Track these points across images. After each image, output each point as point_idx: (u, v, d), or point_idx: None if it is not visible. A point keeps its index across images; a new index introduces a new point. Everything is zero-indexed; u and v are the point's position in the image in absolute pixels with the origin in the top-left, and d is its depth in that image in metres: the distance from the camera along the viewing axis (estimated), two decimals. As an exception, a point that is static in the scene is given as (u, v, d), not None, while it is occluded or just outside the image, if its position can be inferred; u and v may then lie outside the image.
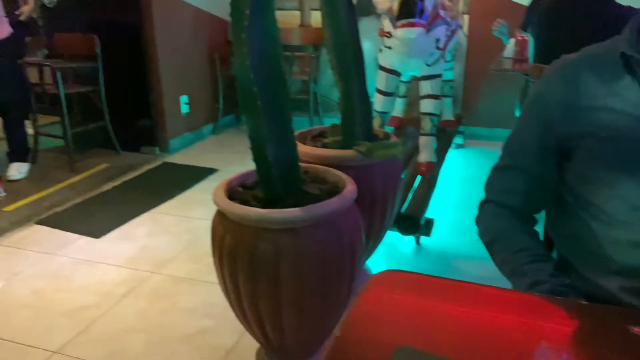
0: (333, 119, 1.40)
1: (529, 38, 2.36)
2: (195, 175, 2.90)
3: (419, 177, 2.03)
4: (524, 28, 2.65)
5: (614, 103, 0.72)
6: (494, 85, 3.39)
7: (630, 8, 1.48)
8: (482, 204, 0.88)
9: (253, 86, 0.91)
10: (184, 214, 2.41)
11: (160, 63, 3.14)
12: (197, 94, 3.52)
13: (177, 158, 3.21)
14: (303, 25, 3.73)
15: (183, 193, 2.65)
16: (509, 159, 0.85)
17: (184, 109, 3.41)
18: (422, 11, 1.63)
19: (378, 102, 2.04)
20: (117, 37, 3.06)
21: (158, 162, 3.12)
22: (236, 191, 1.16)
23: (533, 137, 0.80)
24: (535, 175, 0.82)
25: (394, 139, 1.50)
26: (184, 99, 3.40)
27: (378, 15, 3.45)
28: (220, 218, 1.10)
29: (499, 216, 0.84)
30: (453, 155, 3.15)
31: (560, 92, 0.77)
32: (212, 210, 1.15)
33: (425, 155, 2.06)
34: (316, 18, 3.66)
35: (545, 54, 1.73)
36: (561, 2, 1.74)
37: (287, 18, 3.71)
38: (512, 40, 2.59)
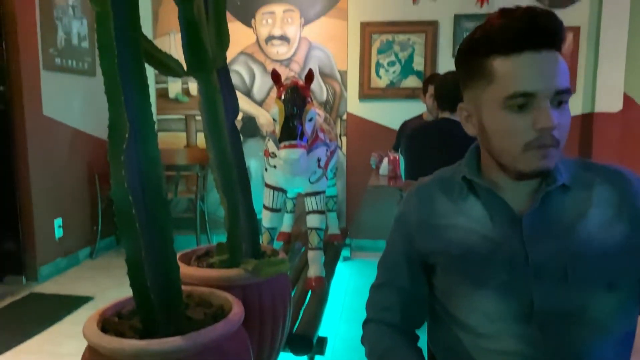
0: (222, 237, 1.37)
1: (400, 157, 2.61)
2: (67, 305, 2.60)
3: (309, 293, 2.01)
4: (396, 148, 2.94)
5: (462, 222, 0.78)
6: (374, 199, 3.63)
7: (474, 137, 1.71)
8: (365, 324, 0.89)
9: (131, 208, 0.87)
10: (52, 351, 2.10)
11: (32, 184, 2.92)
12: (73, 216, 3.29)
13: (48, 287, 2.88)
14: (189, 145, 3.77)
15: (52, 326, 2.34)
16: (383, 276, 0.88)
17: (58, 232, 3.14)
18: (302, 134, 1.74)
19: (266, 219, 2.06)
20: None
21: (24, 293, 2.77)
22: (111, 322, 1.05)
23: (400, 254, 0.85)
24: (408, 291, 0.85)
25: (282, 255, 1.49)
26: (58, 221, 3.14)
27: (263, 137, 3.63)
28: (91, 353, 0.97)
29: (382, 335, 0.85)
30: (341, 268, 3.20)
31: (417, 211, 0.83)
32: (84, 344, 1.01)
33: (314, 270, 2.06)
34: (202, 139, 3.74)
35: (413, 172, 1.91)
36: (422, 128, 1.99)
37: (173, 139, 3.73)
38: (386, 159, 2.85)
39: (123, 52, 0.74)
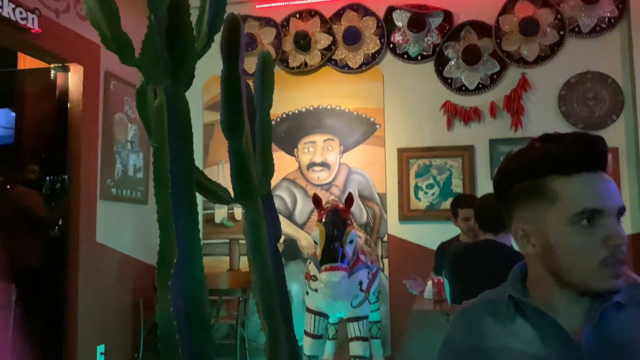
0: (260, 366, 1.32)
1: (445, 280, 2.53)
2: None
3: None
4: (437, 271, 2.85)
5: (511, 343, 0.76)
6: (419, 325, 3.45)
7: (519, 253, 1.66)
8: None
9: (175, 333, 0.87)
10: None
11: (80, 310, 2.97)
12: (116, 342, 3.26)
13: (81, 419, 2.77)
14: (232, 269, 3.80)
15: None
16: None
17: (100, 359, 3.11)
18: (343, 256, 1.75)
19: (307, 346, 1.99)
20: (36, 284, 2.93)
21: None
22: None
23: None
24: None
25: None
26: (100, 348, 3.12)
27: (304, 260, 3.65)
28: None
29: None
30: (388, 401, 2.95)
31: (464, 335, 0.81)
32: None
33: (358, 403, 1.92)
34: (245, 262, 3.77)
35: (459, 296, 1.84)
36: (465, 250, 1.95)
37: (217, 263, 3.79)
38: (430, 283, 2.76)
39: (177, 183, 0.80)
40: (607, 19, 3.41)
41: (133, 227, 3.52)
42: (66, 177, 3.06)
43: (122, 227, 3.44)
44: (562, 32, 3.46)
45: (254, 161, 1.01)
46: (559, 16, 3.46)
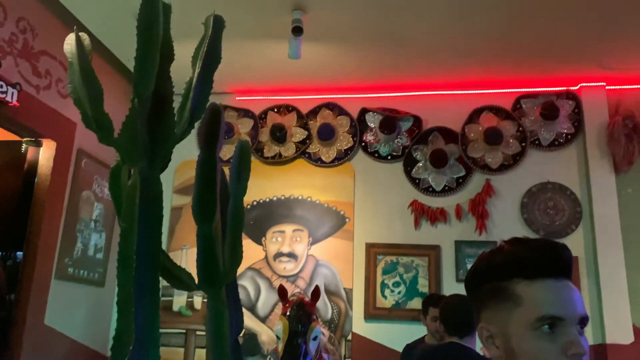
0: None
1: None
2: None
3: None
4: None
5: None
6: None
7: (484, 358, 1.63)
8: None
9: None
10: None
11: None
12: None
13: None
14: (186, 362, 3.56)
15: None
16: None
17: None
18: (306, 353, 1.67)
19: None
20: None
21: None
22: None
23: None
24: None
25: None
26: None
27: (264, 356, 3.46)
28: None
29: None
30: None
31: None
32: None
33: None
34: (201, 356, 3.55)
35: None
36: (431, 352, 1.90)
37: (170, 355, 3.55)
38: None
39: (142, 265, 0.77)
40: (564, 135, 3.67)
41: (86, 311, 3.31)
42: (21, 253, 2.91)
43: (74, 310, 3.23)
44: (523, 144, 3.68)
45: (223, 247, 0.99)
46: (520, 129, 3.70)
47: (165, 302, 3.69)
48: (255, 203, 3.84)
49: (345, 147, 3.87)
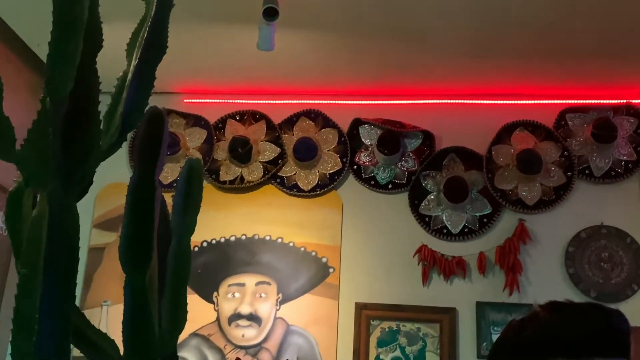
0: None
1: None
2: None
3: None
4: None
5: None
6: None
7: None
8: None
9: None
10: None
11: None
12: None
13: None
14: None
15: None
16: None
17: None
18: None
19: None
20: None
21: None
22: None
23: None
24: None
25: None
26: None
27: None
28: None
29: None
30: None
31: None
32: None
33: None
34: None
35: None
36: None
37: None
38: None
39: (46, 328, 0.75)
40: (623, 163, 3.73)
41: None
42: None
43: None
44: (569, 174, 3.74)
45: (160, 306, 0.98)
46: (565, 153, 3.76)
47: (75, 379, 3.59)
48: (206, 244, 3.80)
49: (331, 171, 3.89)
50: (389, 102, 3.96)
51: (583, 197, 3.73)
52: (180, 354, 3.54)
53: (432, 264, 3.67)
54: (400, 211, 3.81)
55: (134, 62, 0.97)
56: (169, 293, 0.97)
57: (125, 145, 3.39)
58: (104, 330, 0.98)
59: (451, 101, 3.94)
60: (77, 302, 3.83)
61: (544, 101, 3.88)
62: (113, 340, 1.00)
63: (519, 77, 3.73)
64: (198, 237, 3.76)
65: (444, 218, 3.76)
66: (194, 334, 3.64)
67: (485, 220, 3.74)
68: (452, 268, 3.65)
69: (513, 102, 3.90)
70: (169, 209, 1.10)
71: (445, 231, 3.75)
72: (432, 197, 3.81)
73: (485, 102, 3.92)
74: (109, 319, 3.62)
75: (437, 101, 3.95)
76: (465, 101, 3.93)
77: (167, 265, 0.98)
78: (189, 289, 3.26)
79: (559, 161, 3.77)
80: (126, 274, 0.95)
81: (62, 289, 0.80)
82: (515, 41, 3.36)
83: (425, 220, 3.78)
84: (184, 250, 0.98)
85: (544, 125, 3.82)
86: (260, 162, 3.92)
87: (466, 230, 3.73)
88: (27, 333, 0.75)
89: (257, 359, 3.58)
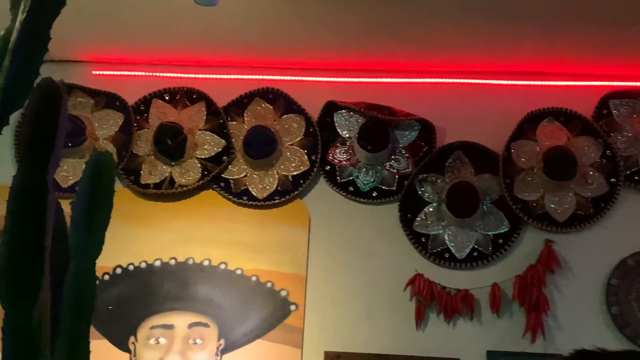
0: None
1: None
2: None
3: None
4: None
5: None
6: None
7: None
8: None
9: None
10: None
11: None
12: None
13: None
14: None
15: None
16: None
17: None
18: None
19: None
20: None
21: None
22: None
23: None
24: None
25: None
26: None
27: None
28: None
29: None
30: None
31: None
32: None
33: None
34: None
35: None
36: None
37: None
38: None
39: None
40: (683, 166, 3.78)
41: None
42: None
43: None
44: (613, 180, 3.77)
45: (52, 354, 0.97)
46: (608, 153, 3.80)
47: None
48: (120, 271, 3.77)
49: (295, 173, 3.89)
50: (375, 80, 3.98)
51: (631, 212, 3.77)
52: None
53: (430, 300, 3.68)
54: (388, 227, 3.82)
55: (20, 16, 0.95)
56: (65, 337, 0.95)
57: (9, 133, 3.35)
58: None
59: (458, 80, 3.96)
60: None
61: (581, 82, 3.91)
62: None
63: (549, 50, 3.76)
64: (110, 261, 3.74)
65: (447, 238, 3.78)
66: (103, 394, 3.60)
67: (500, 241, 3.77)
68: (456, 305, 3.66)
69: (540, 83, 3.93)
70: (68, 222, 1.08)
71: (447, 255, 3.76)
72: (430, 209, 3.82)
73: (503, 82, 3.94)
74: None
75: (440, 80, 3.97)
76: (477, 81, 3.95)
77: (62, 300, 0.97)
78: (96, 333, 3.25)
79: (600, 163, 3.80)
80: (5, 310, 0.93)
81: None
82: (543, 3, 3.37)
83: (421, 241, 3.79)
84: (86, 278, 0.97)
85: (580, 115, 3.85)
86: (197, 158, 3.90)
87: (475, 254, 3.75)
88: None
89: None
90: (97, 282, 1.05)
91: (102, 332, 3.64)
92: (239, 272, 3.77)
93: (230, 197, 3.88)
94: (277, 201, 3.86)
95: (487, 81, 3.95)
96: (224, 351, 3.67)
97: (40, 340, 0.94)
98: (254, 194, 3.87)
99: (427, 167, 3.86)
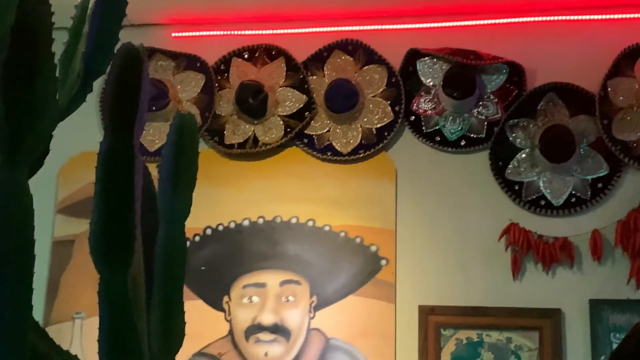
0: None
1: None
2: None
3: None
4: None
5: None
6: None
7: None
8: None
9: None
10: None
11: None
12: None
13: None
14: None
15: None
16: None
17: None
18: None
19: None
20: None
21: None
22: None
23: None
24: None
25: None
26: None
27: None
28: None
29: None
30: None
31: None
32: None
33: None
34: None
35: None
36: None
37: None
38: None
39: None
40: None
41: None
42: None
43: None
44: None
45: (148, 318, 0.99)
46: None
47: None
48: (210, 232, 3.85)
49: (379, 125, 3.88)
50: (458, 23, 3.93)
51: None
52: (182, 382, 3.59)
53: (526, 250, 3.65)
54: (479, 177, 3.80)
55: (97, -18, 0.97)
56: (159, 299, 0.97)
57: (93, 100, 3.43)
58: (77, 351, 0.99)
59: (547, 18, 3.88)
60: (39, 315, 3.93)
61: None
62: (89, 368, 1.02)
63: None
64: (199, 223, 3.81)
65: (542, 185, 3.74)
66: (200, 354, 3.69)
67: (599, 185, 3.70)
68: (555, 254, 3.62)
69: (637, 15, 3.81)
70: (156, 185, 1.10)
71: (543, 203, 3.72)
72: (523, 155, 3.78)
73: (596, 17, 3.84)
74: (84, 336, 3.69)
75: (528, 19, 3.89)
76: (568, 17, 3.86)
77: (154, 262, 0.99)
78: (191, 294, 3.35)
79: None
80: (100, 276, 0.96)
81: (12, 297, 0.82)
82: None
83: (514, 189, 3.76)
84: (177, 240, 0.99)
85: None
86: (279, 116, 3.93)
87: (573, 200, 3.70)
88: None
89: (286, 386, 3.63)
90: (188, 243, 1.07)
91: (197, 293, 3.73)
92: (327, 228, 3.80)
93: (314, 153, 3.91)
94: (361, 155, 3.86)
95: (579, 17, 3.85)
96: (317, 308, 3.72)
97: (135, 302, 0.97)
98: (338, 148, 3.88)
99: (517, 112, 3.81)
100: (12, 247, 0.85)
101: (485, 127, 3.82)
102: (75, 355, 1.00)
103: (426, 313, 3.64)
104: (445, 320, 3.63)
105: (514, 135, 3.79)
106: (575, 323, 3.57)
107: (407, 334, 3.64)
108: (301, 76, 3.96)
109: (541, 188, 3.72)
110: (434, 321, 3.63)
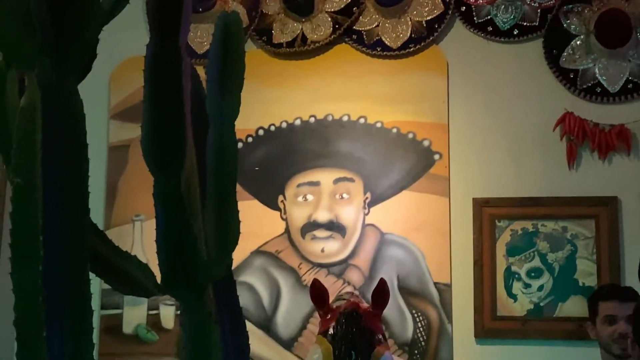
0: None
1: None
2: None
3: None
4: None
5: None
6: None
7: None
8: None
9: None
10: None
11: None
12: None
13: None
14: None
15: None
16: None
17: None
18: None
19: None
20: None
21: None
22: None
23: None
24: None
25: None
26: None
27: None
28: None
29: None
30: None
31: None
32: None
33: None
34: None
35: None
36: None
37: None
38: None
39: (55, 255, 0.78)
40: None
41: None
42: None
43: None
44: None
45: (203, 218, 1.00)
46: None
47: (110, 317, 3.81)
48: (262, 132, 3.86)
49: (429, 17, 3.81)
50: None
51: None
52: (243, 279, 3.68)
53: (582, 139, 3.60)
54: (533, 66, 3.74)
55: None
56: (212, 200, 0.98)
57: (139, 3, 3.39)
58: (138, 253, 1.01)
59: None
60: (100, 219, 4.02)
61: None
62: (146, 266, 1.03)
63: None
64: (251, 124, 3.83)
65: (597, 71, 3.66)
66: (258, 252, 3.76)
67: (657, 70, 3.62)
68: (612, 142, 3.58)
69: None
70: (204, 87, 1.10)
71: (599, 90, 3.66)
72: (578, 42, 3.70)
73: None
74: (145, 238, 3.77)
75: None
76: None
77: (207, 164, 0.99)
78: (246, 194, 3.38)
79: None
80: (155, 179, 0.97)
81: (70, 200, 0.83)
82: None
83: (569, 77, 3.69)
84: (226, 140, 0.98)
85: None
86: (327, 12, 3.87)
87: (630, 86, 3.63)
88: (29, 264, 0.78)
89: (343, 279, 3.68)
90: (241, 144, 1.08)
91: (252, 193, 3.77)
92: (378, 125, 3.79)
93: (364, 49, 3.86)
94: (412, 49, 3.81)
95: None
96: (371, 204, 3.74)
97: (190, 203, 0.97)
98: (388, 43, 3.83)
99: (572, -2, 3.72)
100: (67, 149, 0.85)
101: (539, 14, 3.73)
102: (135, 256, 1.02)
103: (480, 205, 3.64)
104: (500, 212, 3.63)
105: (568, 21, 3.71)
106: (632, 210, 3.55)
107: (462, 226, 3.65)
108: (348, -30, 3.89)
109: (597, 75, 3.65)
110: (488, 213, 3.63)
